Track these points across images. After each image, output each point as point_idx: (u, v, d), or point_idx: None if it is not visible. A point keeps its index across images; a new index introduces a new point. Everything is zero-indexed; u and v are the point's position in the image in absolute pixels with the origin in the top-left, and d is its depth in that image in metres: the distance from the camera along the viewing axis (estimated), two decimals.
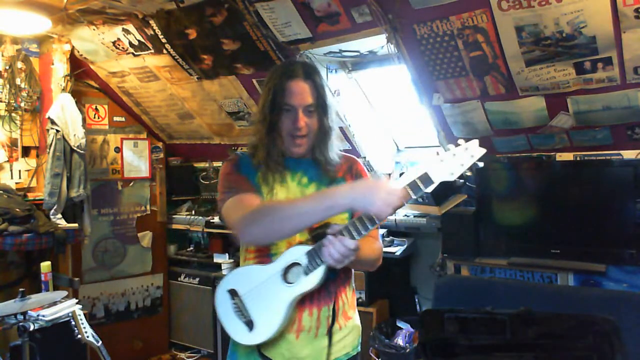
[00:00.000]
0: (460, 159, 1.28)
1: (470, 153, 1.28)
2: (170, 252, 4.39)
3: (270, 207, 1.40)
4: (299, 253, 1.38)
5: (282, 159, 1.53)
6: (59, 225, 3.37)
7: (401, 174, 1.31)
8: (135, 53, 3.46)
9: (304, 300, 1.45)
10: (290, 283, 1.40)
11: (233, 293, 1.46)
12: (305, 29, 2.72)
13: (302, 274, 1.38)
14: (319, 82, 1.51)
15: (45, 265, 3.01)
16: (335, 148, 1.57)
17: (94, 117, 3.99)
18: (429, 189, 1.29)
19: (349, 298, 1.58)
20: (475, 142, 1.29)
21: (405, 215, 3.12)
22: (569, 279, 2.63)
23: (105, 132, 4.05)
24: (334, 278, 1.50)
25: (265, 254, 1.50)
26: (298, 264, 1.39)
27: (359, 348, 1.63)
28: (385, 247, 3.07)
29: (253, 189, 1.50)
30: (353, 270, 1.62)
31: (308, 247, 1.38)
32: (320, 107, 1.50)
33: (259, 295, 1.42)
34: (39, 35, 3.46)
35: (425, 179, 1.28)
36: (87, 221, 3.67)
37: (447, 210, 2.83)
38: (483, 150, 1.29)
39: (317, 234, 1.38)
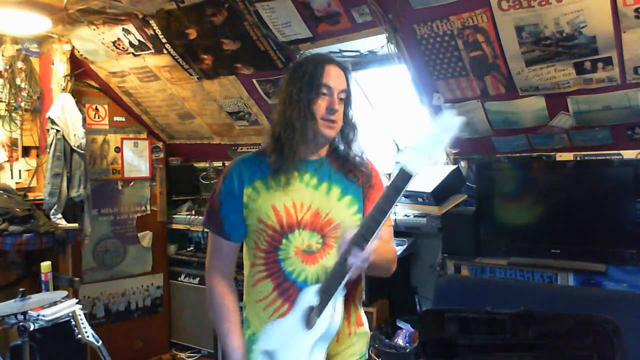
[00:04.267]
0: (435, 139, 1.14)
1: (444, 127, 1.13)
2: (171, 252, 4.39)
3: (210, 301, 1.52)
4: (310, 295, 1.36)
5: (295, 157, 1.46)
6: (59, 225, 3.37)
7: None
8: (136, 53, 3.46)
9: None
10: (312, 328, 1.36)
11: (270, 354, 1.41)
12: (305, 29, 2.72)
13: (315, 317, 1.34)
14: (348, 75, 1.50)
15: (46, 265, 3.01)
16: (359, 146, 1.54)
17: (94, 117, 3.99)
18: (411, 182, 1.18)
19: (357, 304, 1.55)
20: (450, 112, 1.16)
21: (405, 215, 3.12)
22: (569, 279, 2.63)
23: (105, 132, 4.05)
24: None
25: (272, 260, 1.45)
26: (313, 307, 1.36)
27: (367, 355, 1.59)
28: None
29: (223, 231, 1.49)
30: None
31: (316, 287, 1.36)
32: (348, 98, 1.49)
33: (292, 350, 1.38)
34: (39, 35, 3.46)
35: (403, 175, 1.18)
36: (87, 221, 3.67)
37: (447, 210, 2.83)
38: (459, 120, 1.12)
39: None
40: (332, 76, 1.45)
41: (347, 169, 1.51)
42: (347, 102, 1.49)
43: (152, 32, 3.17)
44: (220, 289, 1.51)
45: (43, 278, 2.99)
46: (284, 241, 1.43)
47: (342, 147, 1.51)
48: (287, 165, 1.44)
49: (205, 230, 1.62)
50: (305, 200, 1.44)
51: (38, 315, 2.60)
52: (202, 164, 4.38)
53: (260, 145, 1.57)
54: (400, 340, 2.88)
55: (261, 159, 1.49)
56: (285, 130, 1.44)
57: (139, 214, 4.22)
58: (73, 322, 2.71)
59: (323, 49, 2.86)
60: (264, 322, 1.46)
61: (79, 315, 2.73)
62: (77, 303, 2.80)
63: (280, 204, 1.43)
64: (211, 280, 1.53)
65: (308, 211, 1.44)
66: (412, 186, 1.25)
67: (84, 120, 3.65)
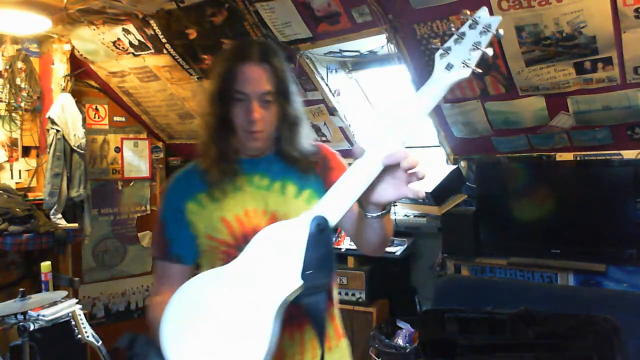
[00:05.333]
0: (472, 38, 0.96)
1: (482, 25, 0.95)
2: None
3: (149, 317, 1.20)
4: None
5: (237, 158, 1.28)
6: (59, 225, 3.37)
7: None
8: (136, 53, 3.46)
9: (282, 322, 1.13)
10: None
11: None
12: (305, 29, 2.72)
13: None
14: (279, 66, 1.25)
15: (45, 265, 3.01)
16: (307, 139, 1.32)
17: (94, 117, 3.99)
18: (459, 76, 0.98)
19: (335, 313, 1.33)
20: (484, 10, 0.95)
21: (405, 215, 3.12)
22: (569, 279, 2.64)
23: (105, 132, 4.05)
24: None
25: None
26: None
27: None
28: None
29: (171, 253, 1.27)
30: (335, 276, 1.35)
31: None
32: (281, 95, 1.25)
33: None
34: (39, 35, 3.46)
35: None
36: (87, 221, 3.67)
37: (447, 210, 2.83)
38: (497, 19, 0.94)
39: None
40: (248, 79, 1.22)
41: (300, 163, 1.30)
42: (280, 100, 1.25)
43: (152, 32, 3.17)
44: (165, 297, 1.11)
45: (43, 278, 2.99)
46: None
47: (285, 145, 1.30)
48: (228, 172, 1.26)
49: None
50: (259, 205, 1.26)
51: (38, 315, 2.60)
52: None
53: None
54: (400, 340, 2.88)
55: (202, 169, 1.30)
56: (209, 140, 1.27)
57: (139, 214, 4.22)
58: (73, 322, 2.71)
59: (323, 49, 2.87)
60: None
61: (79, 315, 2.73)
62: (77, 303, 2.80)
63: (230, 214, 1.24)
64: (154, 299, 1.23)
65: (263, 216, 1.25)
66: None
67: (84, 120, 3.65)
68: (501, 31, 0.95)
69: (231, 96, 1.22)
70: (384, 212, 1.04)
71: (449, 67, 0.97)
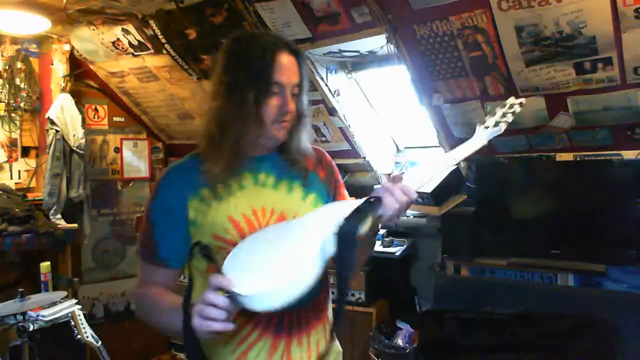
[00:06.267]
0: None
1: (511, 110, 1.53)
2: None
3: (141, 303, 1.21)
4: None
5: (244, 154, 1.23)
6: (59, 226, 3.36)
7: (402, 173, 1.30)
8: (135, 53, 3.46)
9: (292, 327, 1.20)
10: None
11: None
12: (305, 29, 2.72)
13: None
14: (304, 60, 1.25)
15: (45, 266, 3.00)
16: (310, 140, 1.31)
17: (94, 117, 3.99)
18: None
19: (330, 318, 1.33)
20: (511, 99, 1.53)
21: (405, 215, 3.12)
22: (569, 279, 2.63)
23: (104, 132, 4.05)
24: (318, 294, 1.26)
25: None
26: None
27: None
28: (385, 247, 3.07)
29: (158, 257, 1.21)
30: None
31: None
32: (301, 89, 1.24)
33: None
34: (39, 35, 3.46)
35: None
36: (87, 221, 3.66)
37: (447, 210, 2.83)
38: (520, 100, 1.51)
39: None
40: (285, 69, 1.18)
41: (304, 163, 1.29)
42: (300, 92, 1.24)
43: (152, 33, 3.17)
44: (155, 289, 1.20)
45: (42, 278, 2.98)
46: None
47: (292, 139, 1.26)
48: (236, 168, 1.21)
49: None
50: (267, 204, 1.21)
51: (37, 316, 2.59)
52: None
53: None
54: (400, 341, 2.88)
55: (202, 163, 1.23)
56: (223, 133, 1.19)
57: (138, 214, 4.21)
58: (72, 323, 2.70)
59: (323, 49, 2.87)
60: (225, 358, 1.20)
61: (79, 315, 2.72)
62: (76, 303, 2.79)
63: (238, 213, 1.18)
64: (139, 290, 1.23)
65: (272, 216, 1.21)
66: None
67: (84, 120, 3.65)
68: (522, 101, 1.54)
69: (265, 85, 1.16)
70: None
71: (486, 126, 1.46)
